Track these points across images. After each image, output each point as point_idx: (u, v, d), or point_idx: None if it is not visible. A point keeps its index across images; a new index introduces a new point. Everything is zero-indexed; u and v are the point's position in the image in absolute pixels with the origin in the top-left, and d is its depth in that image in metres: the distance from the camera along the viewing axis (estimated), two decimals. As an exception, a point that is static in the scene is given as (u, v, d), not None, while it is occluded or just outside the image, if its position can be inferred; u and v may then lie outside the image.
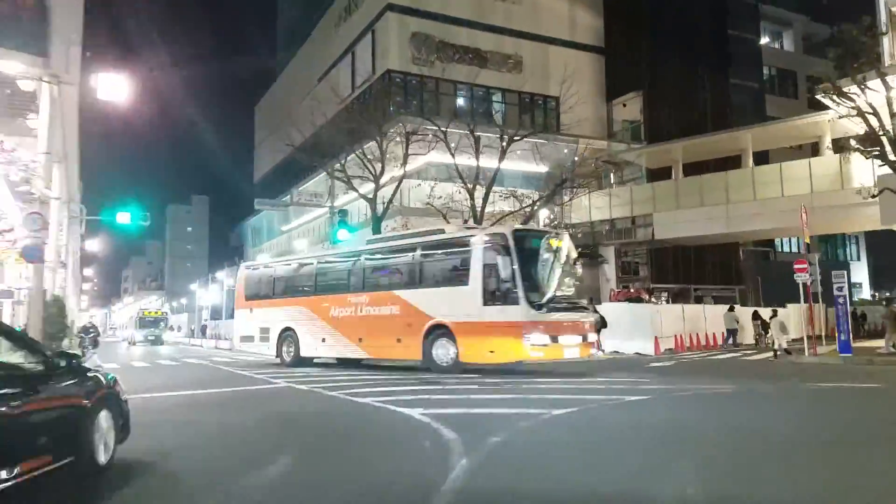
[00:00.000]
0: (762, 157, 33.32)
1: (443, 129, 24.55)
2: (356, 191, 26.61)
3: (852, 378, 12.74)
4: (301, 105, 41.04)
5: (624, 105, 41.14)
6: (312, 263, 18.31)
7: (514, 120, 36.04)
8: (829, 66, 18.47)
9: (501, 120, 35.74)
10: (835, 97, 17.74)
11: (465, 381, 11.74)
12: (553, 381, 12.04)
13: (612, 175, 37.42)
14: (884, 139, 17.06)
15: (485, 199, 23.93)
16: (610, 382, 11.69)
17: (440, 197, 24.54)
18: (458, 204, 24.16)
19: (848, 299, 18.08)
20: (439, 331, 13.67)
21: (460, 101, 35.97)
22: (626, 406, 8.67)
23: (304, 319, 17.17)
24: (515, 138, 23.83)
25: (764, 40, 51.91)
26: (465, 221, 21.90)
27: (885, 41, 19.63)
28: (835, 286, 17.69)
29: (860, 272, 52.61)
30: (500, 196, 25.33)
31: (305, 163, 31.19)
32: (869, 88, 17.04)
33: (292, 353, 17.36)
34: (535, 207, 25.18)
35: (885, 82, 16.99)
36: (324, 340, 16.58)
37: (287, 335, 17.56)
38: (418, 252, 14.76)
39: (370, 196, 25.75)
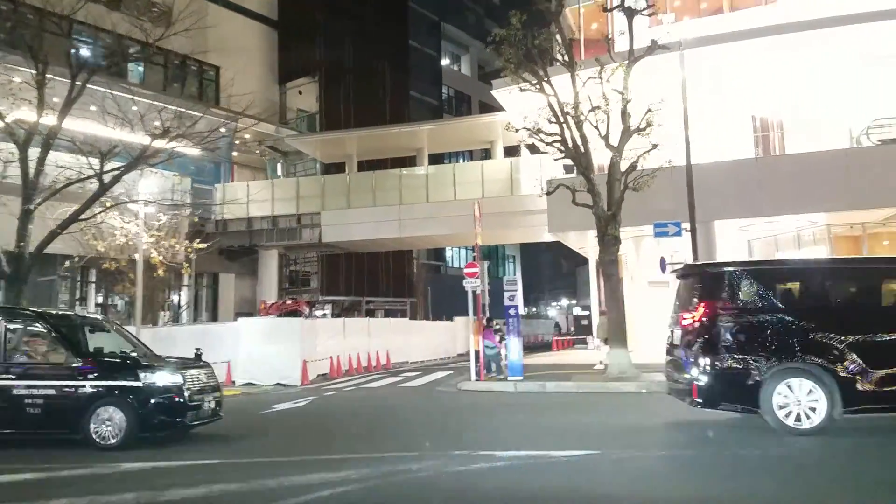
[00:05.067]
0: (440, 162, 31.41)
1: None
2: None
3: (535, 411, 9.06)
4: None
5: (300, 92, 36.29)
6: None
7: (159, 83, 28.43)
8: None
9: (140, 80, 27.87)
10: (521, 76, 15.08)
11: None
12: None
13: (279, 165, 31.95)
14: (564, 126, 14.81)
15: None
16: None
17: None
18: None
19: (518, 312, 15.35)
20: None
21: (85, 51, 26.73)
22: None
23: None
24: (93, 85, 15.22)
25: (445, 61, 52.67)
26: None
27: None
28: (506, 295, 14.67)
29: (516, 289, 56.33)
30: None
31: None
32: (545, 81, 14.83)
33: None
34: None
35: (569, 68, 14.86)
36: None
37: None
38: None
39: None
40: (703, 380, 7.35)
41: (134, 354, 8.61)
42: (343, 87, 34.55)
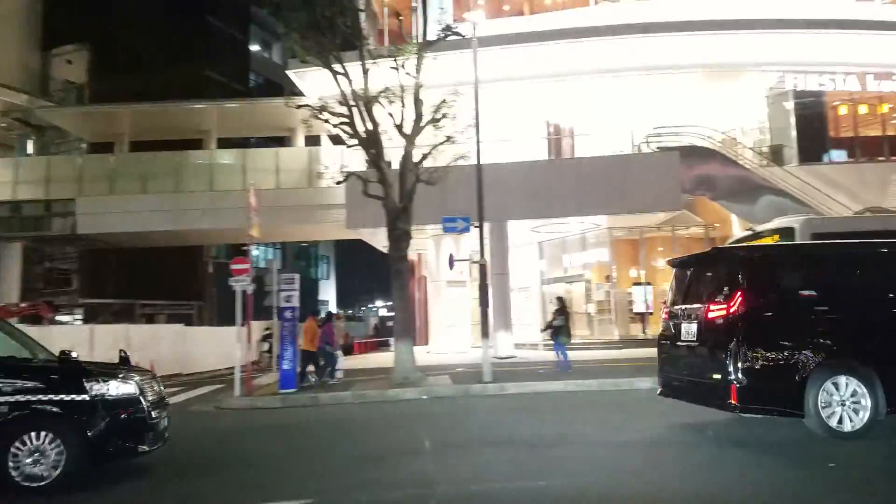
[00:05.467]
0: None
1: None
2: None
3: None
4: None
5: (69, 62, 30.96)
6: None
7: None
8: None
9: None
10: (307, 48, 13.37)
11: None
12: None
13: (30, 143, 26.68)
14: (355, 109, 13.38)
15: None
16: None
17: None
18: None
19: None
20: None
21: None
22: None
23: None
24: None
25: (255, 47, 48.91)
26: None
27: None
28: (282, 294, 12.81)
29: (329, 291, 54.03)
30: None
31: None
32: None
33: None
34: None
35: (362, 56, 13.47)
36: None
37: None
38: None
39: None
40: (742, 379, 6.27)
41: (42, 356, 6.27)
42: (121, 59, 29.99)
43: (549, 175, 19.67)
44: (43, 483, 5.38)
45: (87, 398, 5.59)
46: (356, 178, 14.40)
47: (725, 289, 6.65)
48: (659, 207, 19.21)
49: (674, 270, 8.03)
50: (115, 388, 5.78)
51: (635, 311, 21.99)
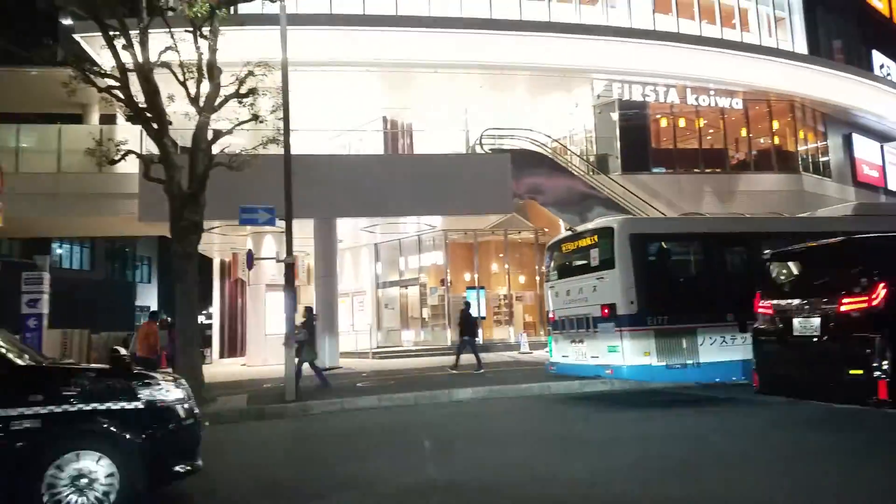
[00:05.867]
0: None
1: None
2: None
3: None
4: None
5: None
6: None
7: None
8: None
9: None
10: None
11: None
12: None
13: None
14: (134, 76, 11.11)
15: None
16: None
17: None
18: None
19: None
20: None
21: None
22: None
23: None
24: None
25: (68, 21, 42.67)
26: None
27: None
28: (24, 298, 10.14)
29: (150, 296, 48.54)
30: None
31: None
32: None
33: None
34: None
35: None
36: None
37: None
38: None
39: None
40: (892, 374, 5.99)
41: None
42: None
43: (383, 172, 18.34)
44: None
45: (141, 406, 4.52)
46: (137, 157, 12.10)
47: (863, 280, 6.39)
48: (490, 209, 18.66)
49: (769, 264, 7.69)
50: (167, 393, 4.74)
51: (468, 315, 21.33)
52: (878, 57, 27.80)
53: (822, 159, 25.20)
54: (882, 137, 28.21)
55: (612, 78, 20.80)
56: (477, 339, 15.37)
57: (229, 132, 11.82)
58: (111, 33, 11.36)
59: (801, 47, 23.93)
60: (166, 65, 11.58)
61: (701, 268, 10.12)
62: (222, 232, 18.55)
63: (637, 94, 20.99)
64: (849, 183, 25.74)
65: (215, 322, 28.19)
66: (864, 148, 27.03)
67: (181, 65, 11.62)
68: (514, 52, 18.92)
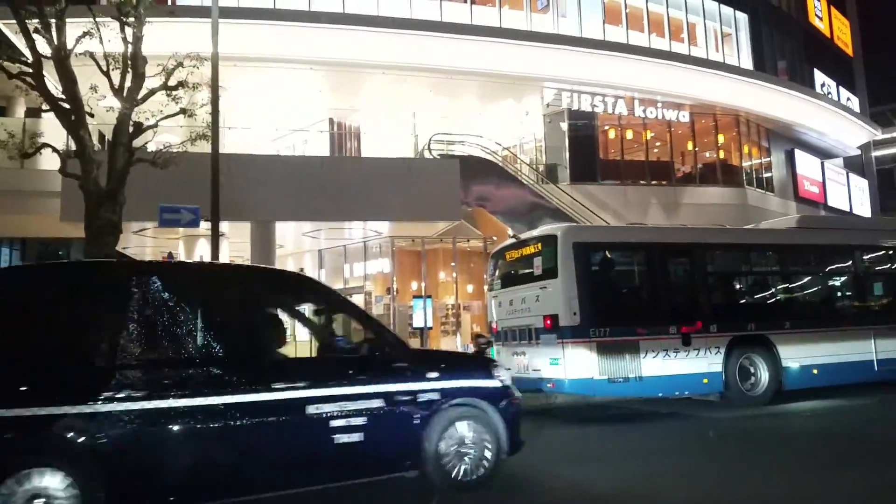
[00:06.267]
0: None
1: None
2: None
3: None
4: None
5: None
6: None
7: None
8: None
9: None
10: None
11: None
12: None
13: None
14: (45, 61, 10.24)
15: None
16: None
17: None
18: None
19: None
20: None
21: None
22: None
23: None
24: None
25: None
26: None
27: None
28: None
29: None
30: None
31: None
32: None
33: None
34: None
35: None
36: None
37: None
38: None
39: None
40: None
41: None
42: None
43: (327, 174, 17.62)
44: (470, 478, 5.04)
45: (500, 385, 5.39)
46: (52, 151, 11.17)
47: None
48: (438, 216, 18.18)
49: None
50: (507, 376, 5.59)
51: (414, 325, 20.78)
52: (819, 76, 28.65)
53: (765, 174, 25.71)
54: (823, 154, 29.03)
55: (561, 87, 20.66)
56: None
57: (152, 127, 11.02)
58: (24, 18, 10.49)
59: (747, 63, 24.38)
60: (88, 53, 10.77)
61: (645, 279, 9.87)
62: (154, 234, 17.52)
63: (586, 105, 20.92)
64: (791, 198, 26.33)
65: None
66: (806, 164, 27.74)
67: (105, 55, 10.84)
68: (464, 56, 18.59)
